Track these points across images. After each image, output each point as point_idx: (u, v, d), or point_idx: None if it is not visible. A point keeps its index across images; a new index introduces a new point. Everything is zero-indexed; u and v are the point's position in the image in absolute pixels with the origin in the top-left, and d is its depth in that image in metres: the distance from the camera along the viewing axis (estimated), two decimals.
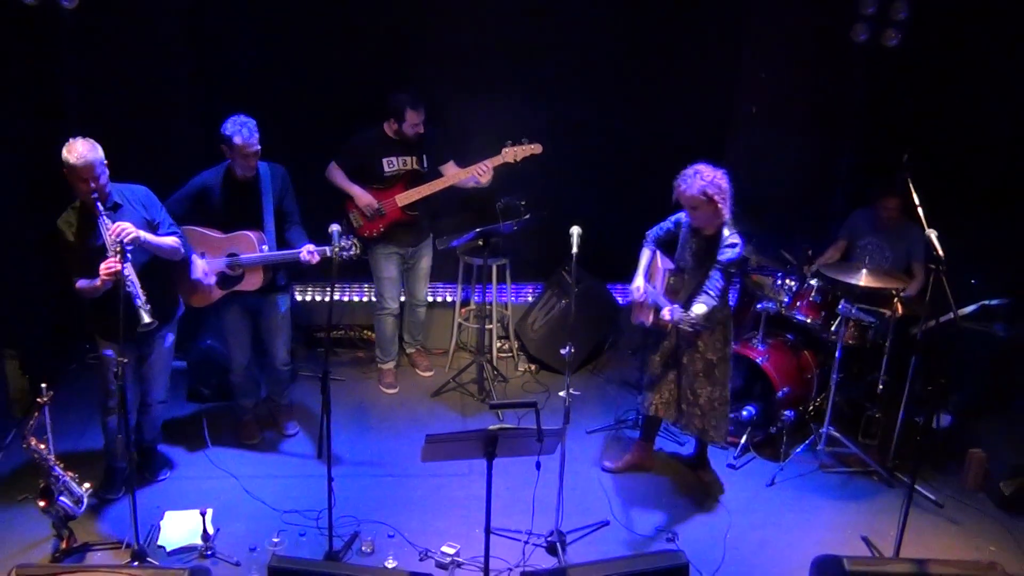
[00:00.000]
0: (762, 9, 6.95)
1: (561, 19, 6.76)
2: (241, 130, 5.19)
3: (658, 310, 5.08)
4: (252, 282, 5.46)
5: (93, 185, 4.61)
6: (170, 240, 4.94)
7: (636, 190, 7.13)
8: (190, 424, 6.06)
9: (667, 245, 5.41)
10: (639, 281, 5.33)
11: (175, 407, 6.15)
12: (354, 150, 6.26)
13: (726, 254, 5.03)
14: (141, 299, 4.58)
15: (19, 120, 6.10)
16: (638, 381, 6.65)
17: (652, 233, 5.43)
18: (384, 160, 6.21)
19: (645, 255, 5.41)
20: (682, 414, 5.40)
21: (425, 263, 6.68)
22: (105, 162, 4.67)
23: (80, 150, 4.58)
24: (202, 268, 5.35)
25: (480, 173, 6.08)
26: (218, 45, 6.58)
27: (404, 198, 6.21)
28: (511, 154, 6.04)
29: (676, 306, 4.95)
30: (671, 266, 5.34)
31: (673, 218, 5.33)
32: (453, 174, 6.18)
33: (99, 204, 4.62)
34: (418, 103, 6.05)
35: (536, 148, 6.05)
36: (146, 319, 4.58)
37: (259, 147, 5.28)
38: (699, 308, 4.93)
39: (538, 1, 6.68)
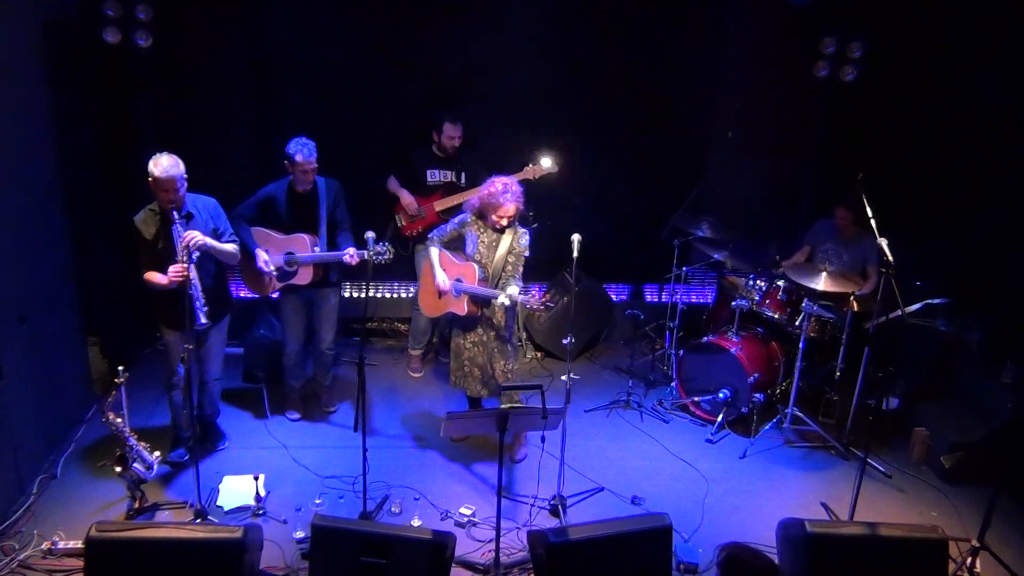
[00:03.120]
0: (737, 47, 6.92)
1: (571, 62, 6.79)
2: (302, 149, 5.24)
3: (474, 299, 5.16)
4: (304, 277, 5.49)
5: (172, 196, 4.63)
6: (230, 247, 4.96)
7: (629, 205, 7.13)
8: (247, 401, 6.05)
9: (451, 243, 5.38)
10: (442, 276, 5.24)
11: (234, 387, 6.14)
12: (406, 163, 6.34)
13: (525, 241, 5.18)
14: (200, 302, 4.58)
15: (102, 139, 6.09)
16: (629, 367, 6.65)
17: (436, 234, 5.35)
18: (428, 171, 6.28)
19: (435, 253, 5.32)
20: (486, 386, 5.36)
21: None
22: (185, 176, 4.68)
23: (164, 164, 4.59)
24: (263, 258, 5.36)
25: None
26: (274, 77, 6.60)
27: (440, 204, 6.25)
28: (531, 172, 6.01)
29: (523, 297, 5.01)
30: (462, 260, 5.30)
31: (456, 220, 5.33)
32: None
33: (175, 213, 4.63)
34: (456, 118, 6.14)
35: (552, 168, 6.02)
36: (202, 320, 4.58)
37: (316, 164, 5.31)
38: (514, 290, 5.00)
39: (550, 50, 6.71)
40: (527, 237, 5.23)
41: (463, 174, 6.30)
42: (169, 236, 4.67)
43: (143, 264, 4.79)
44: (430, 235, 5.41)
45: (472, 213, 5.27)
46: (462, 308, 5.23)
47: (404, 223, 6.33)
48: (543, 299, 5.12)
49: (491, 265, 5.17)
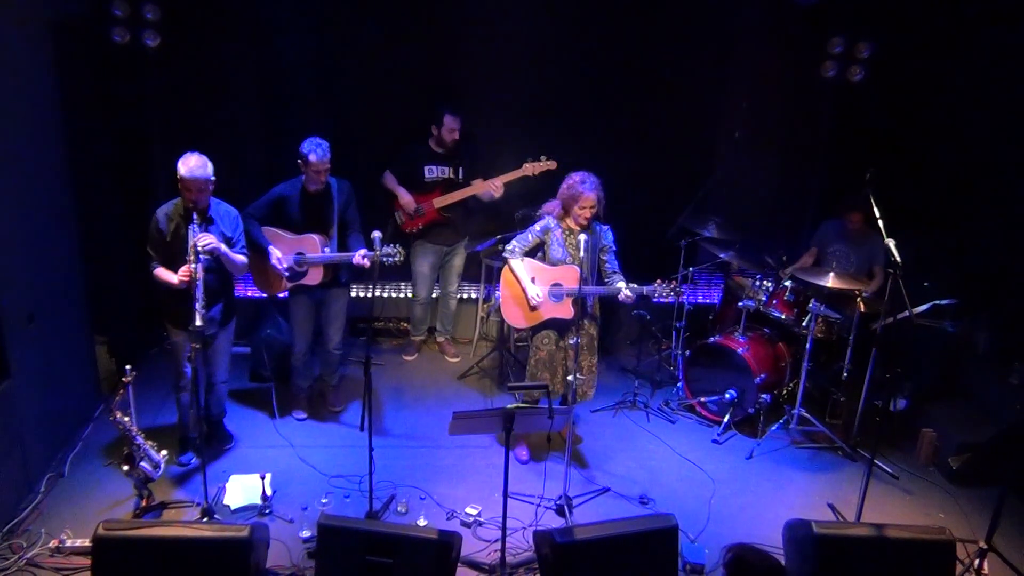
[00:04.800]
0: (745, 48, 6.91)
1: (576, 61, 6.77)
2: (316, 149, 5.23)
3: (576, 301, 5.14)
4: (314, 277, 5.49)
5: (196, 196, 4.66)
6: (240, 257, 4.96)
7: (635, 204, 7.08)
8: (254, 401, 6.06)
9: (531, 250, 5.34)
10: (534, 290, 5.20)
11: (241, 387, 6.16)
12: (403, 158, 6.35)
13: (609, 237, 5.24)
14: (201, 302, 4.55)
15: (110, 139, 6.11)
16: (635, 368, 6.64)
17: (518, 244, 5.29)
18: (425, 168, 6.29)
19: (518, 266, 5.26)
20: (566, 384, 5.25)
21: (458, 261, 6.75)
22: (212, 179, 4.70)
23: (192, 164, 4.62)
24: (277, 255, 5.35)
25: (494, 188, 6.15)
26: (281, 76, 6.59)
27: (440, 201, 6.27)
28: (530, 168, 6.05)
29: (648, 286, 5.06)
30: (550, 265, 5.26)
31: (538, 227, 5.27)
32: (477, 185, 6.23)
33: (195, 214, 4.65)
34: (456, 111, 6.14)
35: (551, 164, 6.03)
36: (198, 322, 4.49)
37: (329, 164, 5.31)
38: (622, 282, 5.05)
39: (554, 48, 6.69)
40: (611, 233, 5.27)
41: (461, 169, 6.31)
42: (184, 235, 4.68)
43: (154, 257, 4.82)
44: (509, 248, 5.31)
45: (555, 217, 5.25)
46: (568, 312, 5.23)
47: (404, 220, 6.35)
48: (672, 285, 5.08)
49: (586, 265, 5.14)
